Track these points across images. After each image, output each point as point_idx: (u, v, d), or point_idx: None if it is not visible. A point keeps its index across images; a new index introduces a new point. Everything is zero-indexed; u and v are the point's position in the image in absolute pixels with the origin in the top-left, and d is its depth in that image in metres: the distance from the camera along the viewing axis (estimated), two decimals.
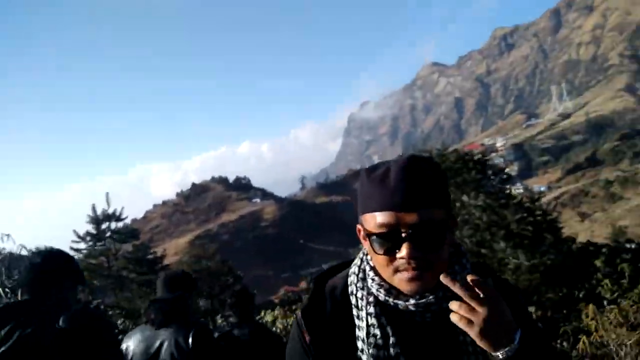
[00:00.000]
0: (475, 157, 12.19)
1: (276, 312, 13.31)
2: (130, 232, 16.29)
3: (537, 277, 9.93)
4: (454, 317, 0.92)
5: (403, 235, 0.95)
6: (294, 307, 13.78)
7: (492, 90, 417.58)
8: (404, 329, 1.03)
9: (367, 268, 1.09)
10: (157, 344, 2.54)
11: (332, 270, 1.20)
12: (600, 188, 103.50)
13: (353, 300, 1.08)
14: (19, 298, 1.92)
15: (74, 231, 15.74)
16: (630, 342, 4.49)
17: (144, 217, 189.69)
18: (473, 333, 0.90)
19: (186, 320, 2.63)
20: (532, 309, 10.10)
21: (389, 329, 1.02)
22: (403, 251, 0.96)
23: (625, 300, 8.97)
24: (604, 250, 11.50)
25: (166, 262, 19.63)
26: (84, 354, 1.82)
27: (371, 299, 1.05)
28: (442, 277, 0.93)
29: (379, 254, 1.00)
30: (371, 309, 1.04)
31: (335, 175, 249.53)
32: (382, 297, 1.03)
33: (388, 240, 0.97)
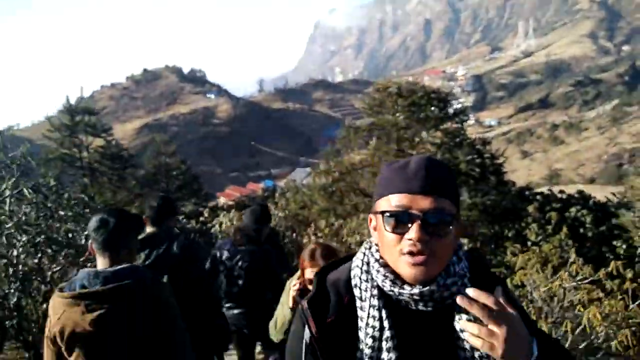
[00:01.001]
0: (441, 95, 12.63)
1: (232, 214, 13.92)
2: (102, 128, 16.10)
3: (475, 214, 10.96)
4: (474, 341, 0.94)
5: (415, 219, 0.99)
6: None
7: (462, 16, 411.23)
8: (405, 321, 1.06)
9: (372, 260, 1.11)
10: (238, 257, 3.59)
11: (334, 264, 1.23)
12: (546, 130, 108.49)
13: (357, 292, 1.11)
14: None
15: (49, 120, 15.40)
16: (545, 288, 5.31)
17: (91, 97, 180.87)
18: (496, 355, 0.92)
19: (259, 244, 3.69)
20: (465, 241, 11.25)
21: (388, 322, 1.05)
22: (412, 232, 0.98)
23: (547, 244, 10.24)
24: (538, 197, 12.70)
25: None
26: (189, 273, 2.94)
27: (375, 291, 1.08)
28: (458, 299, 0.94)
29: (387, 232, 1.02)
30: (375, 301, 1.07)
31: (295, 83, 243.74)
32: (387, 288, 1.06)
33: (400, 219, 1.01)
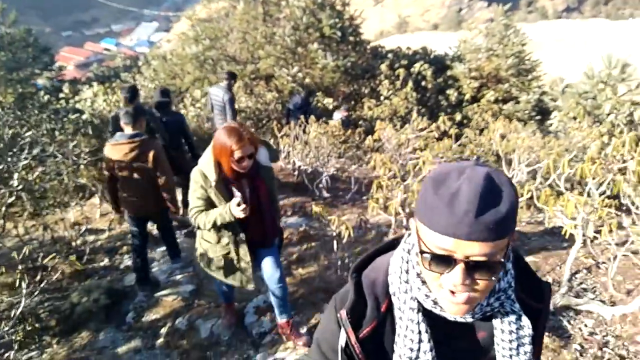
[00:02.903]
0: None
1: (95, 88, 13.31)
2: None
3: (338, 76, 12.15)
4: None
5: (458, 261, 0.87)
6: (113, 84, 13.83)
7: None
8: (444, 329, 1.03)
9: (413, 273, 1.02)
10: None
11: (369, 259, 1.15)
12: None
13: (395, 301, 1.05)
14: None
15: None
16: (395, 140, 6.79)
17: None
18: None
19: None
20: (329, 100, 12.59)
21: (427, 335, 1.01)
22: (455, 276, 0.88)
23: (395, 97, 12.02)
24: (389, 55, 14.20)
25: None
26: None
27: (414, 304, 1.02)
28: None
29: (426, 269, 0.93)
30: (413, 315, 1.02)
31: None
32: (428, 307, 1.01)
33: (442, 262, 0.89)
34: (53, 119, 7.16)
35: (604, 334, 2.98)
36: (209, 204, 2.77)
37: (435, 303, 0.99)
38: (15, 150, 5.41)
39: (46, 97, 10.96)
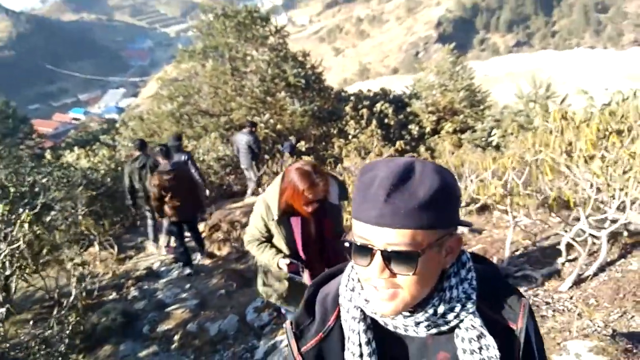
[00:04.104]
0: (263, 15, 13.94)
1: (77, 151, 13.90)
2: None
3: (307, 120, 13.15)
4: None
5: (374, 251, 0.83)
6: (93, 146, 14.47)
7: None
8: (393, 343, 0.97)
9: (356, 279, 0.97)
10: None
11: (328, 277, 1.10)
12: (353, 24, 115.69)
13: (342, 314, 1.00)
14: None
15: None
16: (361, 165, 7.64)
17: None
18: None
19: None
20: (302, 143, 13.52)
21: (369, 347, 0.95)
22: (373, 268, 0.83)
23: (362, 135, 13.02)
24: (352, 98, 15.39)
25: None
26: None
27: (357, 313, 0.96)
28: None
29: (355, 263, 0.88)
30: (354, 325, 0.96)
31: None
32: (368, 312, 0.95)
33: (361, 253, 0.85)
34: (46, 176, 7.82)
35: (535, 289, 3.75)
36: (267, 233, 2.73)
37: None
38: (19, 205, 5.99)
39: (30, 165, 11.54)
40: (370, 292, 0.88)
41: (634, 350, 2.40)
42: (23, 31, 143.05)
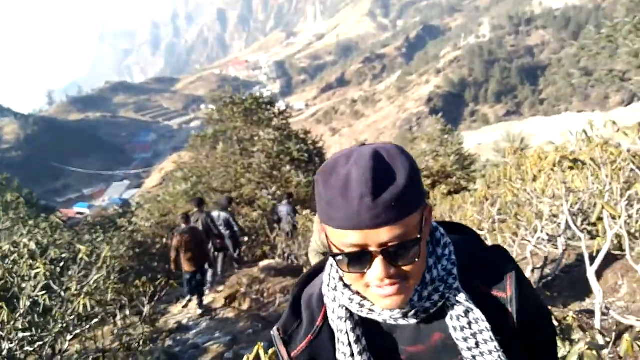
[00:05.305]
0: (267, 99, 15.51)
1: (96, 234, 14.79)
2: None
3: (310, 190, 14.18)
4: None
5: (374, 254, 0.79)
6: (111, 229, 15.38)
7: (254, 4, 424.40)
8: (382, 337, 0.95)
9: (337, 277, 0.94)
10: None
11: (314, 274, 1.06)
12: (347, 106, 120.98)
13: (328, 313, 0.97)
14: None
15: None
16: None
17: None
18: None
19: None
20: (307, 211, 14.47)
21: (358, 345, 0.93)
22: (375, 271, 0.79)
23: None
24: None
25: None
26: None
27: (343, 312, 0.94)
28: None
29: (345, 272, 0.84)
30: (342, 325, 0.94)
31: (90, 89, 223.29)
32: (354, 310, 0.92)
33: (357, 260, 0.80)
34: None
35: None
36: (325, 249, 2.91)
37: (361, 306, 0.90)
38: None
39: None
40: (373, 293, 0.84)
41: None
42: (31, 133, 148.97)
